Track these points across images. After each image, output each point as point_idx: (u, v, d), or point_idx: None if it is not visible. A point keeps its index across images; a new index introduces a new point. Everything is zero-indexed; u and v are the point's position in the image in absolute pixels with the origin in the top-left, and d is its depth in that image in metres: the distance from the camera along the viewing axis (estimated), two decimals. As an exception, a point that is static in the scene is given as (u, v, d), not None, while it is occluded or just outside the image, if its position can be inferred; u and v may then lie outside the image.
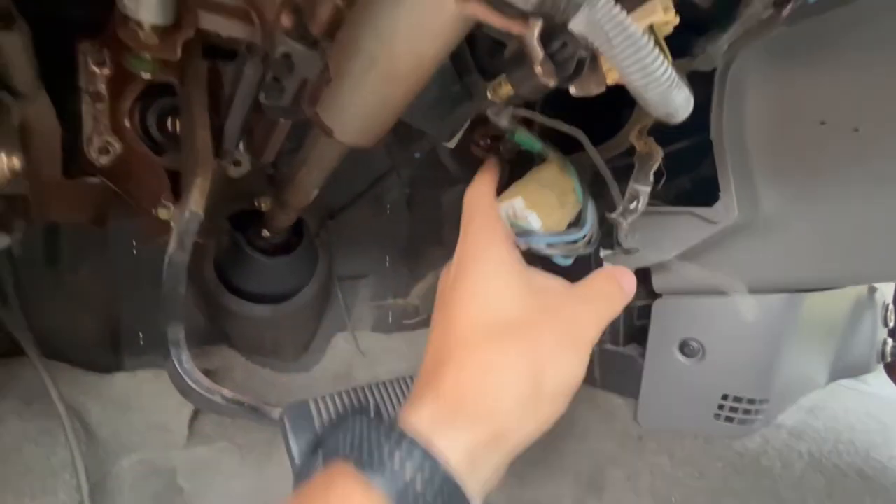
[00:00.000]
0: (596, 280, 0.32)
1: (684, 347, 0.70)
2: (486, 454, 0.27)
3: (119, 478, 0.60)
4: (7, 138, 0.39)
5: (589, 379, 0.81)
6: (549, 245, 0.36)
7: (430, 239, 0.99)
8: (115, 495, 0.58)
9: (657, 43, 0.36)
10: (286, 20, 0.38)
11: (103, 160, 0.59)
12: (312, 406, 0.53)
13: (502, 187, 0.87)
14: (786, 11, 0.36)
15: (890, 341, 0.96)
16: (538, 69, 0.30)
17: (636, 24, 0.33)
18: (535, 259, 0.37)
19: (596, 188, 0.45)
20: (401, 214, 0.95)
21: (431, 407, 0.28)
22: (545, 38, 0.29)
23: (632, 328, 0.80)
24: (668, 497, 0.67)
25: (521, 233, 0.36)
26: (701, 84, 0.47)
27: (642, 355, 0.76)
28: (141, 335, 0.70)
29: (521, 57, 0.32)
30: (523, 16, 0.26)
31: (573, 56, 0.31)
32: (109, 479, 0.59)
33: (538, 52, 0.30)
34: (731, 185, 0.52)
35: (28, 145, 0.47)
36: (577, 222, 0.38)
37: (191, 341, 0.54)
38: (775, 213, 0.53)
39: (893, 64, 0.42)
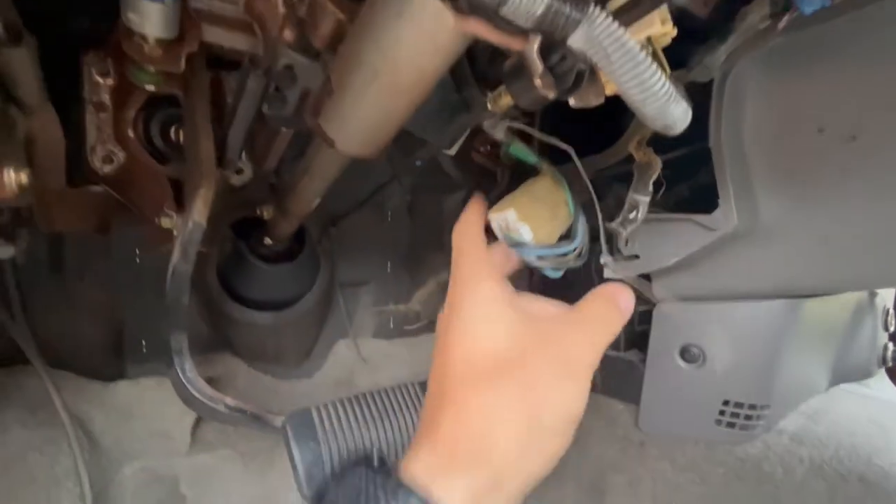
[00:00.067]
0: (592, 303, 0.31)
1: (685, 353, 0.70)
2: (488, 499, 0.27)
3: (122, 486, 0.60)
4: (14, 153, 0.40)
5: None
6: (539, 257, 0.36)
7: (431, 245, 1.00)
8: (117, 503, 0.59)
9: (655, 54, 0.36)
10: (288, 33, 0.39)
11: (107, 169, 0.60)
12: (315, 414, 0.53)
13: (501, 194, 0.88)
14: (782, 23, 0.37)
15: (891, 346, 0.96)
16: (538, 82, 0.31)
17: (634, 36, 0.33)
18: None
19: (597, 192, 0.46)
20: (402, 221, 0.96)
21: (429, 455, 0.27)
22: (544, 51, 0.30)
23: (632, 334, 0.80)
24: (669, 503, 0.67)
25: (513, 245, 0.36)
26: (699, 92, 0.48)
27: (643, 361, 0.76)
28: (144, 343, 0.70)
29: (521, 69, 0.33)
30: (523, 32, 0.27)
31: (572, 68, 0.31)
32: (112, 487, 0.59)
33: (538, 65, 0.30)
34: (730, 193, 0.52)
35: (33, 156, 0.48)
36: (568, 235, 0.38)
37: (193, 348, 0.55)
38: (774, 221, 0.54)
39: (891, 73, 0.43)
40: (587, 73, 0.31)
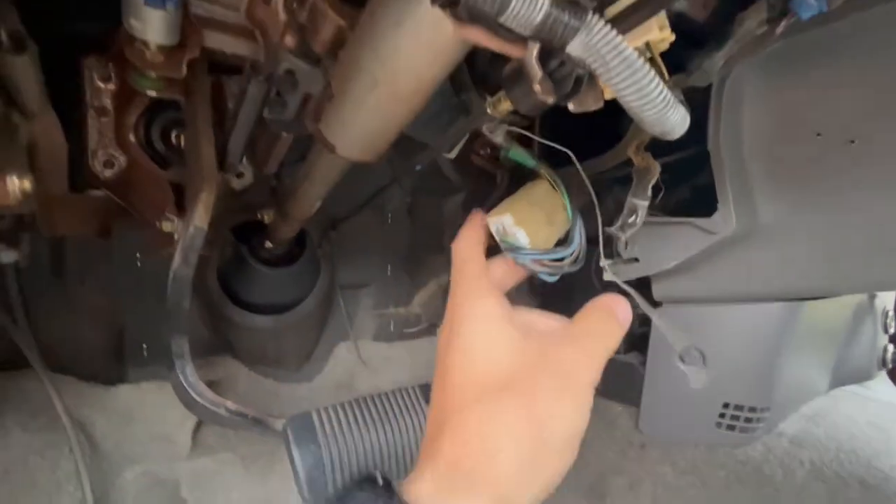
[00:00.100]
0: (590, 317, 0.31)
1: (685, 356, 0.71)
2: None
3: (123, 489, 0.60)
4: (17, 159, 0.40)
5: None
6: (536, 262, 0.36)
7: (431, 247, 1.00)
8: (118, 507, 0.59)
9: (653, 60, 0.37)
10: (289, 39, 0.39)
11: (108, 173, 0.60)
12: (315, 417, 0.53)
13: (501, 197, 0.88)
14: (780, 28, 0.37)
15: (891, 347, 0.96)
16: (537, 87, 0.31)
17: (633, 42, 0.33)
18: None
19: (597, 195, 0.46)
20: (402, 223, 0.96)
21: (432, 477, 0.27)
22: (543, 57, 0.30)
23: (633, 336, 0.80)
24: (670, 506, 0.67)
25: (510, 249, 0.36)
26: (698, 96, 0.48)
27: (643, 363, 0.76)
28: (145, 347, 0.71)
29: (520, 74, 0.33)
30: (522, 40, 0.27)
31: (571, 73, 0.31)
32: (113, 491, 0.59)
33: (537, 71, 0.30)
34: (728, 197, 0.52)
35: (35, 161, 0.48)
36: (565, 240, 0.38)
37: (194, 352, 0.55)
38: (773, 224, 0.54)
39: (888, 76, 0.43)
40: (586, 78, 0.32)
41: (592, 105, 0.33)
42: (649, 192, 0.44)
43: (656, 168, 0.44)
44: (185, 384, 0.51)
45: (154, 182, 0.58)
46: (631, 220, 0.44)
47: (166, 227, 0.57)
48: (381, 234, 0.93)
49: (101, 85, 0.55)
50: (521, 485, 0.27)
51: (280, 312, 0.78)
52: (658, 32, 0.34)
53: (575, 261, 0.37)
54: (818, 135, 0.48)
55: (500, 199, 0.44)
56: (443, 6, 0.24)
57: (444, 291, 1.05)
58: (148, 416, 0.65)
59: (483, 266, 0.34)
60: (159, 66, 0.42)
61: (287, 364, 0.84)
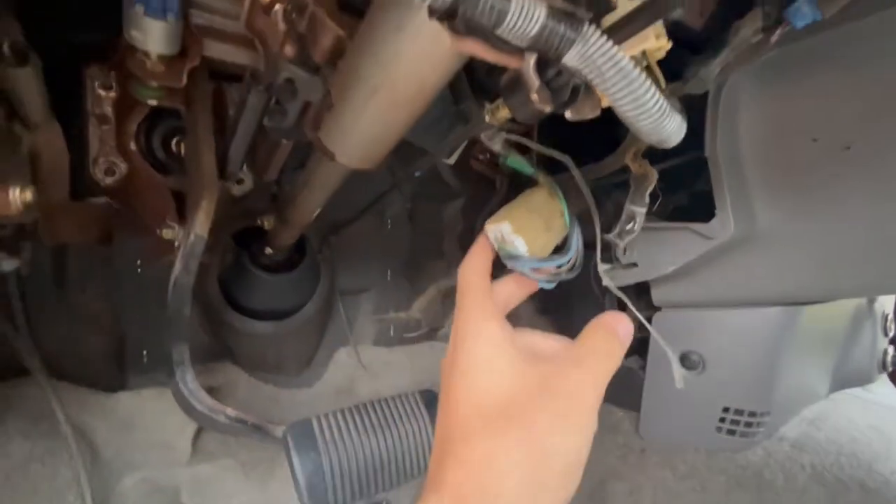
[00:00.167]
0: (591, 336, 0.31)
1: (685, 360, 0.71)
2: None
3: (123, 496, 0.60)
4: (19, 170, 0.40)
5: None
6: (534, 270, 0.36)
7: (431, 252, 1.00)
8: (119, 514, 0.59)
9: (649, 68, 0.37)
10: (289, 49, 0.39)
11: (109, 181, 0.60)
12: (315, 424, 0.53)
13: (500, 201, 0.88)
14: (774, 36, 0.37)
15: (891, 350, 0.96)
16: (534, 96, 0.31)
17: (630, 50, 0.34)
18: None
19: (596, 199, 0.46)
20: (402, 228, 0.96)
21: None
22: (541, 66, 0.30)
23: (632, 340, 0.80)
24: (671, 511, 0.67)
25: (508, 257, 0.37)
26: (696, 102, 0.48)
27: (643, 368, 0.76)
28: (145, 353, 0.71)
29: (518, 83, 0.33)
30: (518, 51, 0.27)
31: (568, 82, 0.31)
32: (113, 498, 0.59)
33: (534, 80, 0.30)
34: (726, 202, 0.53)
35: (37, 170, 0.48)
36: (563, 246, 0.38)
37: (194, 358, 0.55)
38: (771, 229, 0.54)
39: (884, 83, 0.43)
40: (583, 87, 0.32)
41: (590, 113, 0.33)
42: (647, 199, 0.44)
43: (654, 175, 0.44)
44: (185, 391, 0.51)
45: (155, 189, 0.59)
46: (629, 226, 0.44)
47: (167, 234, 0.57)
48: (380, 240, 0.94)
49: (103, 93, 0.55)
50: None
51: (280, 318, 0.78)
52: (655, 41, 0.34)
53: (571, 268, 0.37)
54: (814, 141, 0.48)
55: (500, 203, 0.44)
56: (440, 19, 0.24)
57: (444, 296, 1.05)
58: (148, 422, 0.65)
59: (487, 290, 0.34)
60: (160, 76, 0.43)
61: (287, 370, 0.84)
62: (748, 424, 0.68)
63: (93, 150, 0.59)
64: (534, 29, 0.25)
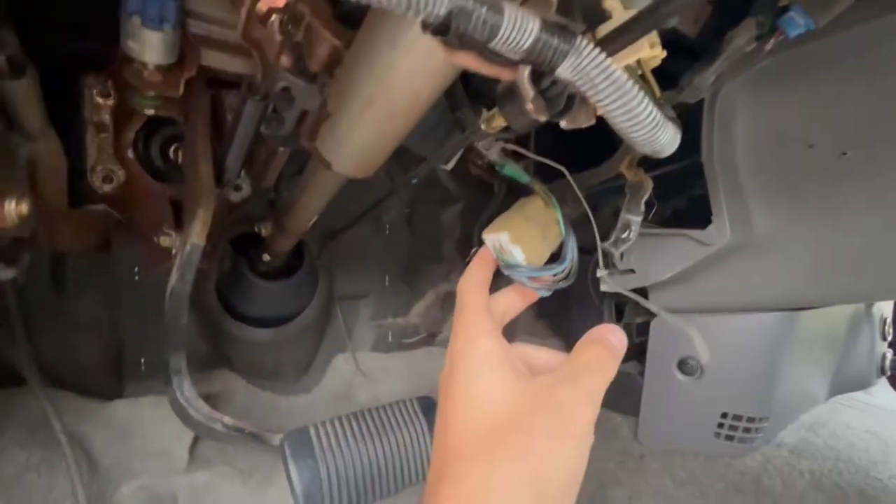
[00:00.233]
0: (584, 351, 0.31)
1: (683, 366, 0.71)
2: None
3: (120, 504, 0.60)
4: (15, 182, 0.40)
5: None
6: (530, 278, 0.36)
7: (429, 257, 1.00)
8: (115, 523, 0.58)
9: (644, 77, 0.37)
10: (285, 59, 0.39)
11: (106, 188, 0.61)
12: (312, 432, 0.53)
13: (499, 205, 0.88)
14: (768, 45, 0.37)
15: (889, 354, 0.96)
16: (529, 106, 0.31)
17: (624, 60, 0.34)
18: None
19: (593, 204, 0.46)
20: (400, 234, 0.96)
21: None
22: (535, 76, 0.30)
23: (631, 345, 0.80)
24: (670, 517, 0.67)
25: (506, 266, 0.37)
26: (693, 108, 0.49)
27: (641, 373, 0.76)
28: (143, 361, 0.71)
29: (513, 93, 0.33)
30: (513, 63, 0.27)
31: (563, 92, 0.32)
32: (110, 507, 0.59)
33: (529, 91, 0.31)
34: (723, 209, 0.53)
35: (35, 179, 0.48)
36: (559, 254, 0.39)
37: (191, 365, 0.55)
38: (768, 235, 0.54)
39: (878, 90, 0.44)
40: (578, 96, 0.32)
41: (585, 122, 0.33)
42: (642, 208, 0.44)
43: (649, 183, 0.45)
44: (182, 400, 0.51)
45: (152, 197, 0.59)
46: (624, 235, 0.44)
47: (164, 241, 0.58)
48: (379, 245, 0.94)
49: (101, 101, 0.55)
50: None
51: (278, 325, 0.78)
52: (649, 50, 0.35)
53: (566, 277, 0.37)
54: (810, 147, 0.49)
55: (499, 208, 0.44)
56: (433, 34, 0.24)
57: (443, 301, 1.05)
58: (146, 430, 0.65)
59: (484, 305, 0.34)
60: (157, 86, 0.43)
61: (285, 376, 0.84)
62: (746, 430, 0.68)
63: (91, 157, 0.59)
64: (527, 42, 0.25)
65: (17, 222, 0.36)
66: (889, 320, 0.95)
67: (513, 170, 0.42)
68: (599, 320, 0.79)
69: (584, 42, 0.26)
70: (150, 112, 0.50)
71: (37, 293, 0.65)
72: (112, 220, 0.64)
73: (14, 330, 0.61)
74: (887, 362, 0.95)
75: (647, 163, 0.52)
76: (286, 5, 0.38)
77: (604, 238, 0.52)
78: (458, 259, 1.02)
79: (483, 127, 0.40)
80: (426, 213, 0.98)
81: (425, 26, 0.24)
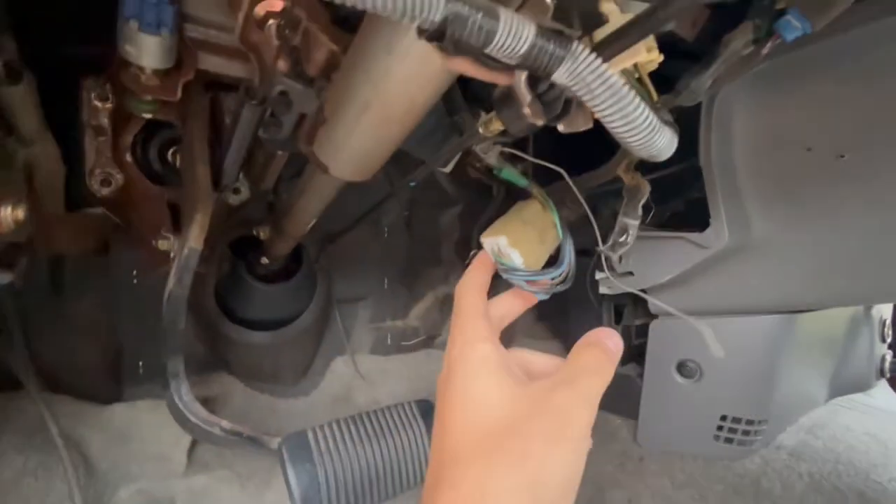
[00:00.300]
0: (580, 355, 0.31)
1: (682, 368, 0.71)
2: None
3: (118, 509, 0.59)
4: (11, 188, 0.40)
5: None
6: (528, 282, 0.36)
7: (428, 259, 1.00)
8: (113, 527, 0.58)
9: (641, 81, 0.37)
10: (283, 64, 0.39)
11: (105, 192, 0.60)
12: (311, 435, 0.53)
13: (497, 208, 0.88)
14: (765, 49, 0.37)
15: (889, 356, 0.96)
16: (526, 110, 0.31)
17: (621, 64, 0.34)
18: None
19: (592, 206, 0.46)
20: (398, 236, 0.96)
21: None
22: (532, 80, 0.30)
23: (630, 347, 0.80)
24: (669, 520, 0.67)
25: (504, 270, 0.37)
26: (691, 111, 0.49)
27: (640, 375, 0.76)
28: (141, 364, 0.71)
29: (510, 97, 0.33)
30: (509, 68, 0.27)
31: (560, 96, 0.32)
32: (108, 511, 0.59)
33: (526, 95, 0.31)
34: (720, 212, 0.53)
35: (33, 184, 0.48)
36: (556, 258, 0.39)
37: (190, 368, 0.55)
38: (766, 238, 0.54)
39: (875, 93, 0.44)
40: (576, 100, 0.32)
41: (582, 126, 0.33)
42: (640, 212, 0.44)
43: (646, 187, 0.45)
44: (180, 404, 0.51)
45: (150, 201, 0.59)
46: (622, 239, 0.44)
47: (163, 245, 0.58)
48: (378, 248, 0.94)
49: (99, 104, 0.55)
50: None
51: (277, 328, 0.78)
52: (646, 54, 0.35)
53: (564, 280, 0.37)
54: (808, 150, 0.49)
55: (497, 210, 0.44)
56: (429, 39, 0.24)
57: (442, 304, 1.05)
58: (144, 434, 0.65)
59: (482, 310, 0.34)
60: (154, 90, 0.43)
61: (284, 379, 0.84)
62: (745, 433, 0.68)
63: (89, 161, 0.59)
64: (523, 48, 0.25)
65: (12, 227, 0.36)
66: (888, 322, 0.95)
67: (510, 173, 0.43)
68: (598, 323, 0.79)
69: (580, 47, 0.26)
70: (148, 116, 0.50)
71: (35, 297, 0.65)
72: (110, 223, 0.64)
73: (11, 334, 0.61)
74: (886, 364, 0.95)
75: (645, 166, 0.52)
76: (283, 9, 0.38)
77: (602, 241, 0.52)
78: (456, 261, 1.02)
79: (481, 130, 0.40)
80: (425, 216, 0.99)
81: (421, 32, 0.24)
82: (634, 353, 0.79)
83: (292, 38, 0.39)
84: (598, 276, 0.63)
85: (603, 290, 0.67)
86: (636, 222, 0.44)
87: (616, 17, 0.34)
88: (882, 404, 0.89)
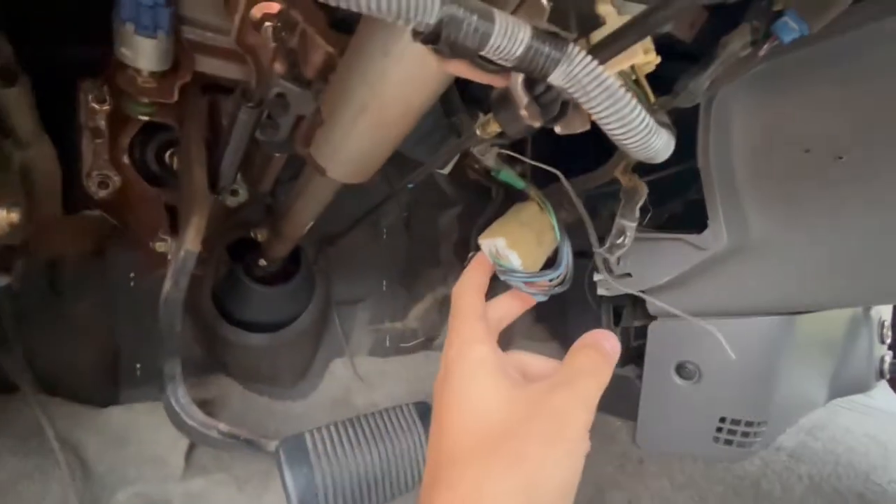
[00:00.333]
0: (577, 356, 0.31)
1: (681, 370, 0.70)
2: None
3: (115, 512, 0.59)
4: (8, 191, 0.40)
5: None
6: (526, 284, 0.36)
7: (427, 260, 1.00)
8: (110, 530, 0.58)
9: (638, 83, 0.37)
10: (279, 66, 0.39)
11: (102, 194, 0.60)
12: (308, 438, 0.53)
13: (497, 210, 0.88)
14: (763, 50, 0.37)
15: (888, 357, 0.96)
16: (523, 112, 0.31)
17: (618, 66, 0.34)
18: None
19: (590, 208, 0.46)
20: (398, 238, 0.96)
21: None
22: (529, 82, 0.30)
23: (629, 349, 0.80)
24: (668, 522, 0.67)
25: (502, 271, 0.37)
26: (689, 112, 0.49)
27: (639, 377, 0.76)
28: (138, 367, 0.70)
29: (507, 99, 0.33)
30: (505, 70, 0.27)
31: (558, 98, 0.31)
32: (105, 514, 0.59)
33: (523, 97, 0.31)
34: (719, 213, 0.53)
35: (29, 185, 0.48)
36: (554, 260, 0.39)
37: (188, 371, 0.55)
38: (765, 239, 0.54)
39: (873, 94, 0.44)
40: (573, 102, 0.32)
41: (579, 128, 0.33)
42: (637, 214, 0.44)
43: (643, 189, 0.45)
44: (176, 407, 0.51)
45: (148, 203, 0.59)
46: (619, 241, 0.44)
47: (160, 247, 0.57)
48: (377, 249, 0.93)
49: (96, 106, 0.55)
50: None
51: (275, 330, 0.78)
52: (643, 56, 0.35)
53: (562, 282, 0.37)
54: (806, 151, 0.48)
55: (496, 212, 0.44)
56: (424, 42, 0.24)
57: (441, 305, 1.05)
58: (141, 437, 0.64)
59: (478, 311, 0.34)
60: (151, 92, 0.43)
61: (282, 381, 0.84)
62: (745, 434, 0.67)
63: (86, 163, 0.59)
64: (518, 50, 0.25)
65: (7, 231, 0.36)
66: (888, 323, 0.95)
67: (508, 175, 0.42)
68: (597, 324, 0.79)
69: (576, 49, 0.26)
70: (145, 118, 0.50)
71: (33, 299, 0.65)
72: (108, 225, 0.64)
73: (8, 337, 0.61)
74: (886, 365, 0.94)
75: (643, 168, 0.52)
76: (280, 12, 0.38)
77: (601, 242, 0.52)
78: (455, 263, 1.02)
79: (478, 132, 0.40)
80: (424, 217, 0.98)
81: (416, 35, 0.24)
82: (633, 355, 0.79)
83: (289, 41, 0.39)
84: (597, 277, 0.63)
85: (601, 291, 0.67)
86: (633, 224, 0.44)
87: (613, 19, 0.34)
88: (882, 405, 0.89)
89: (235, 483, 0.65)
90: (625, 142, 0.28)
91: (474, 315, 0.33)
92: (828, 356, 0.81)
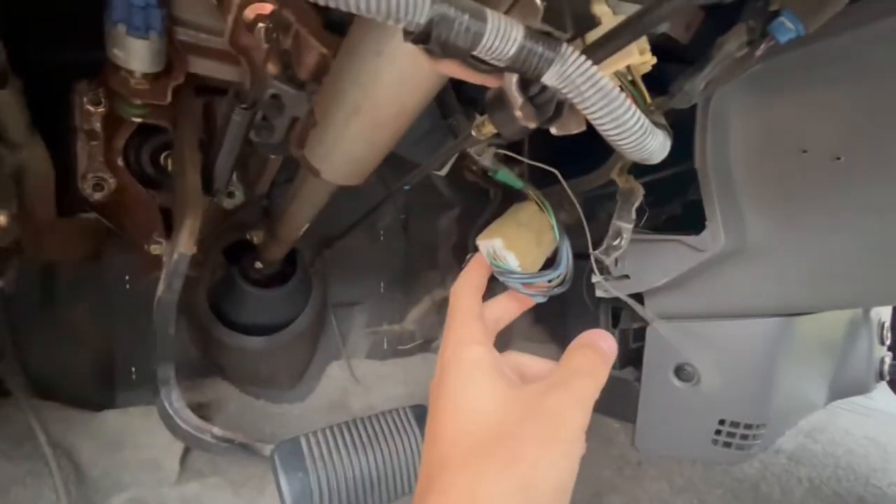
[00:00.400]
0: (574, 357, 0.30)
1: (679, 372, 0.70)
2: None
3: (110, 517, 0.59)
4: (2, 192, 0.40)
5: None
6: (525, 285, 0.36)
7: (425, 263, 1.00)
8: (105, 535, 0.58)
9: (634, 83, 0.37)
10: (272, 67, 0.39)
11: (97, 196, 0.60)
12: (304, 442, 0.53)
13: (495, 211, 0.87)
14: (759, 51, 0.37)
15: (888, 359, 0.96)
16: (518, 113, 0.31)
17: (614, 66, 0.33)
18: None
19: (588, 209, 0.46)
20: (395, 240, 0.96)
21: None
22: (523, 83, 0.30)
23: (627, 351, 0.79)
24: (667, 525, 0.66)
25: (500, 272, 0.36)
26: (686, 113, 0.48)
27: (638, 379, 0.75)
28: (133, 370, 0.70)
29: (502, 100, 0.33)
30: (498, 71, 0.27)
31: (553, 98, 0.31)
32: (99, 519, 0.58)
33: (517, 98, 0.30)
34: (716, 214, 0.53)
35: (23, 189, 0.48)
36: (553, 260, 0.38)
37: (184, 374, 0.54)
38: (763, 240, 0.54)
39: (871, 94, 0.43)
40: (567, 102, 0.32)
41: (575, 128, 0.33)
42: (633, 215, 0.44)
43: (640, 191, 0.44)
44: (170, 411, 0.51)
45: (143, 205, 0.58)
46: (616, 242, 0.44)
47: (155, 249, 0.57)
48: (374, 252, 0.93)
49: (91, 109, 0.55)
50: None
51: (271, 333, 0.78)
52: (639, 56, 0.34)
53: (562, 283, 0.36)
54: (804, 152, 0.48)
55: (494, 214, 0.44)
56: (415, 42, 0.24)
57: (438, 308, 1.04)
58: (136, 441, 0.64)
59: (475, 312, 0.34)
60: (144, 94, 0.43)
61: (279, 384, 0.83)
62: (744, 437, 0.67)
63: (81, 165, 0.58)
64: (511, 49, 0.24)
65: (-4, 233, 0.35)
66: (887, 325, 0.95)
67: (505, 175, 0.42)
68: (595, 325, 0.78)
69: (570, 49, 0.26)
70: (139, 120, 0.50)
71: (27, 303, 0.65)
72: (103, 228, 0.64)
73: (1, 341, 0.60)
74: (886, 367, 0.94)
75: (641, 169, 0.52)
76: (272, 13, 0.37)
77: (600, 243, 0.51)
78: (453, 265, 1.01)
79: (474, 133, 0.40)
80: (421, 219, 0.98)
81: (407, 34, 0.24)
82: (632, 357, 0.78)
83: (283, 42, 0.39)
84: (594, 279, 0.63)
85: (599, 293, 0.66)
86: (630, 226, 0.44)
87: (608, 19, 0.34)
88: (882, 407, 0.89)
89: (231, 487, 0.65)
90: (620, 142, 0.28)
91: (471, 316, 0.33)
92: (827, 358, 0.81)
